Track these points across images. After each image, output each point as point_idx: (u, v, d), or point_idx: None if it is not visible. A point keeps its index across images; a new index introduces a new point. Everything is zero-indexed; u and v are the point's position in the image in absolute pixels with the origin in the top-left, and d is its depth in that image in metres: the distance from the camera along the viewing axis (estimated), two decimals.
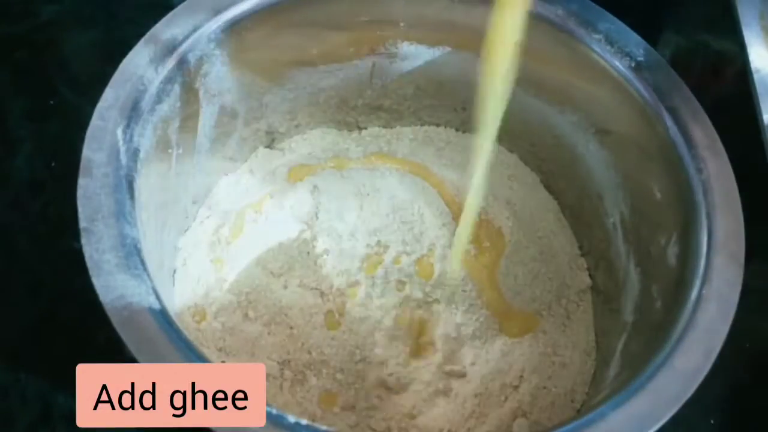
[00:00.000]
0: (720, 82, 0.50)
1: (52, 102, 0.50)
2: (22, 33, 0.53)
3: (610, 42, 0.39)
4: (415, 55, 0.44)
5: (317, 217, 0.44)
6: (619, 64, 0.38)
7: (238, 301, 0.41)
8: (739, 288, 0.32)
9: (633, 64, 0.38)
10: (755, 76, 0.45)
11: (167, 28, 0.36)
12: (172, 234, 0.41)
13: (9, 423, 0.39)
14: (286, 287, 0.42)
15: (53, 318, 0.42)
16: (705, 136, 0.36)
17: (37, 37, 0.53)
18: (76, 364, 0.40)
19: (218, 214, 0.44)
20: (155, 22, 0.37)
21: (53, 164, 0.47)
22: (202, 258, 0.42)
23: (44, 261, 0.44)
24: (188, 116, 0.38)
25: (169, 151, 0.37)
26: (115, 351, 0.41)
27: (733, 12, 0.43)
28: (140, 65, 0.35)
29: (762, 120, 0.45)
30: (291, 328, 0.41)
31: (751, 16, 0.45)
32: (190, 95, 0.38)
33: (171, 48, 0.36)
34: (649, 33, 0.40)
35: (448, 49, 0.43)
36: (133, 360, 0.41)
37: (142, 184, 0.33)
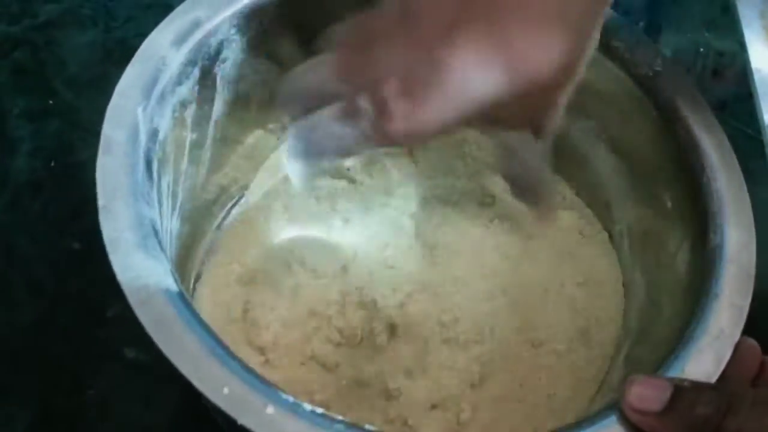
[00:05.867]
0: (720, 82, 0.50)
1: (51, 102, 0.50)
2: (21, 33, 0.53)
3: (625, 49, 0.38)
4: None
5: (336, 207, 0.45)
6: (634, 72, 0.38)
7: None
8: (749, 297, 0.32)
9: (648, 72, 0.38)
10: (756, 76, 0.45)
11: (191, 10, 0.36)
12: (182, 221, 0.40)
13: (9, 423, 0.39)
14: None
15: (53, 318, 0.42)
16: (718, 145, 0.35)
17: (36, 37, 0.53)
18: (76, 364, 0.41)
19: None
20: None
21: (52, 164, 0.47)
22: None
23: (44, 261, 0.44)
24: (204, 101, 0.38)
25: (184, 134, 0.37)
26: (114, 351, 0.41)
27: (733, 11, 0.44)
28: (163, 45, 0.35)
29: (762, 120, 0.45)
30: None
31: (752, 15, 0.45)
32: (207, 80, 0.37)
33: (193, 30, 0.35)
34: (649, 33, 0.40)
35: None
36: (132, 360, 0.41)
37: (160, 167, 0.33)
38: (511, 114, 0.31)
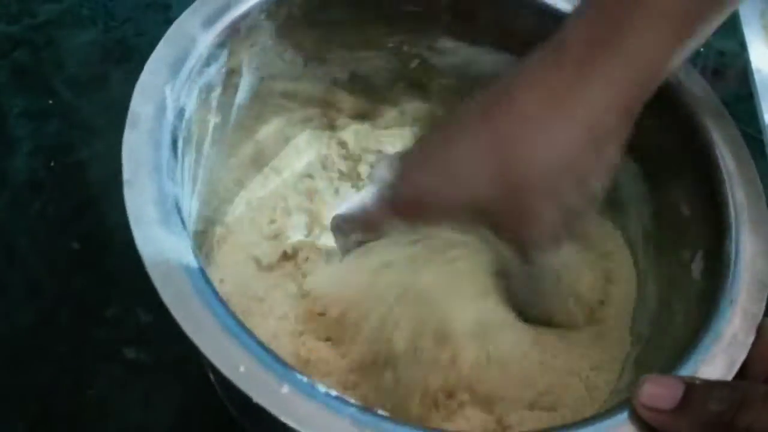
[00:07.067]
0: (721, 82, 0.50)
1: (50, 101, 0.50)
2: (21, 32, 0.53)
3: None
4: (453, 51, 0.44)
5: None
6: None
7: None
8: (764, 304, 0.32)
9: (669, 79, 0.38)
10: (756, 76, 0.45)
11: None
12: (200, 203, 0.40)
13: (9, 423, 0.39)
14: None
15: (53, 318, 0.42)
16: (737, 154, 0.36)
17: (36, 37, 0.53)
18: (76, 364, 0.41)
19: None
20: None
21: (52, 164, 0.47)
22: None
23: (43, 261, 0.43)
24: (230, 85, 0.38)
25: (209, 117, 0.37)
26: (114, 351, 0.41)
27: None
28: (193, 26, 0.35)
29: (762, 120, 0.45)
30: None
31: (752, 15, 0.45)
32: (234, 64, 0.38)
33: (223, 13, 0.36)
34: None
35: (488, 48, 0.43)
36: (132, 360, 0.41)
37: (184, 146, 0.33)
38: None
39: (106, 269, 0.43)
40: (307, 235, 0.43)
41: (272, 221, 0.43)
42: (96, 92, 0.50)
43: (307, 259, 0.42)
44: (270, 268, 0.41)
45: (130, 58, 0.52)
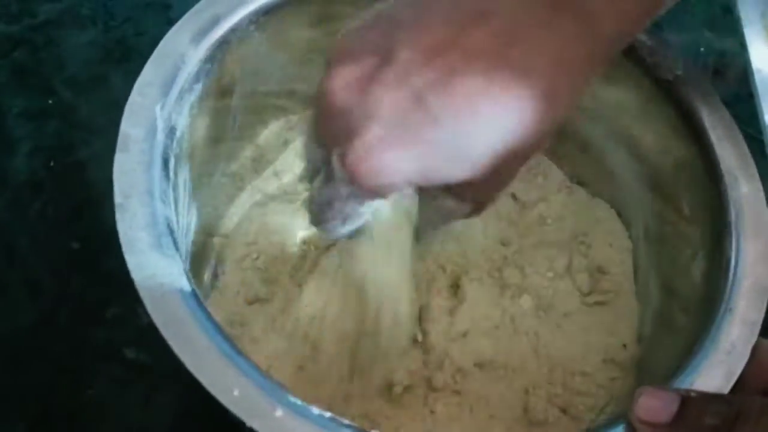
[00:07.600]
0: (721, 82, 0.50)
1: (50, 101, 0.50)
2: (20, 32, 0.53)
3: (648, 54, 0.38)
4: None
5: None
6: (655, 76, 0.38)
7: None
8: (763, 312, 0.31)
9: (669, 77, 0.37)
10: (756, 76, 0.45)
11: (210, 7, 0.36)
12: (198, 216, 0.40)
13: (9, 423, 0.39)
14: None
15: (53, 318, 0.42)
16: (738, 156, 0.35)
17: (35, 37, 0.53)
18: (76, 364, 0.41)
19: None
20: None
21: (52, 164, 0.47)
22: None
23: (43, 261, 0.43)
24: (223, 97, 0.38)
25: (203, 130, 0.37)
26: (114, 351, 0.41)
27: (734, 11, 0.43)
28: (181, 43, 0.35)
29: (762, 120, 0.44)
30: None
31: (753, 15, 0.45)
32: (227, 75, 0.37)
33: (212, 27, 0.36)
34: (650, 32, 0.40)
35: None
36: (132, 360, 0.41)
37: (177, 164, 0.33)
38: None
39: (106, 269, 0.43)
40: (309, 237, 0.43)
41: (274, 225, 0.43)
42: (96, 92, 0.50)
43: (309, 261, 0.42)
44: (275, 272, 0.41)
45: (130, 58, 0.52)
